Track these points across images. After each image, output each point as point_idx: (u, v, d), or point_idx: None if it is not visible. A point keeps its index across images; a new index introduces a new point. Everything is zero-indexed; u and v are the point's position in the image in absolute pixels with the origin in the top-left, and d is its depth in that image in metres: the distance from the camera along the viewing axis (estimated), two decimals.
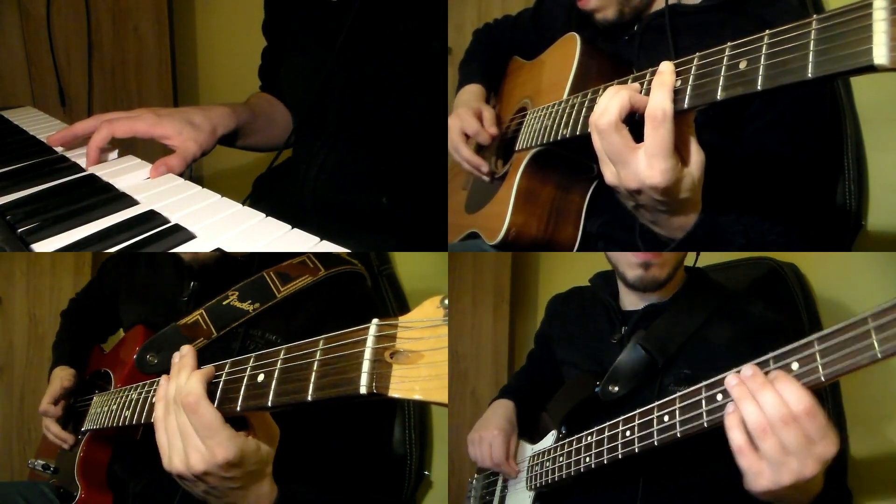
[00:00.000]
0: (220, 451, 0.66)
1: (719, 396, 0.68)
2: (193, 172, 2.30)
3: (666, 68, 0.69)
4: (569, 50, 1.07)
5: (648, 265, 0.96)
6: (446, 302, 0.53)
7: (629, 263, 0.98)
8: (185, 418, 0.68)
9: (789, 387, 0.60)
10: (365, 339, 0.55)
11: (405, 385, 0.52)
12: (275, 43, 1.36)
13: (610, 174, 0.74)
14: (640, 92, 0.73)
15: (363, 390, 0.54)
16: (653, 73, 0.72)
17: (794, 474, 0.60)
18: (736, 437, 0.63)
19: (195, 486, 0.71)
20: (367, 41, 1.08)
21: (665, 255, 0.96)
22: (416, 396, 0.52)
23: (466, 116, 1.16)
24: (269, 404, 0.62)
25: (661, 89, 0.68)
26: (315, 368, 0.58)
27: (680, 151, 0.71)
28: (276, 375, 0.62)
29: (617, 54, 1.06)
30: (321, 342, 0.59)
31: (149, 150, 1.08)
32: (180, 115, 1.07)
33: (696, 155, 0.72)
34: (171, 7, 2.15)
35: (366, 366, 0.54)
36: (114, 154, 1.06)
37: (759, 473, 0.62)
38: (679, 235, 0.78)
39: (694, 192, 0.73)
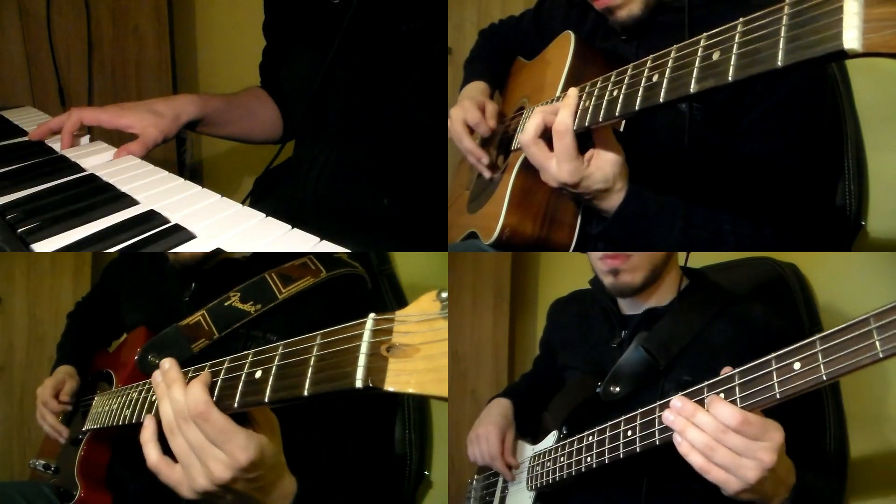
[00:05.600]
0: (241, 453, 0.64)
1: (721, 395, 0.70)
2: (193, 172, 2.30)
3: (572, 93, 0.85)
4: (563, 49, 1.07)
5: (617, 271, 0.98)
6: (443, 295, 0.53)
7: (601, 271, 1.01)
8: (193, 433, 0.65)
9: (721, 407, 0.68)
10: (361, 334, 0.55)
11: (401, 379, 0.52)
12: (275, 44, 1.37)
13: (542, 177, 0.89)
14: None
15: (359, 384, 0.54)
16: (637, 68, 0.77)
17: (756, 469, 0.66)
18: (696, 460, 0.70)
19: (222, 499, 0.68)
20: (369, 42, 1.08)
21: (633, 260, 0.97)
22: (411, 390, 0.52)
23: (470, 107, 1.18)
24: (266, 400, 0.62)
25: (565, 109, 0.84)
26: (312, 363, 0.59)
27: (599, 150, 0.86)
28: (273, 371, 0.62)
29: (613, 52, 1.06)
30: (318, 337, 0.60)
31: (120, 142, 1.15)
32: (143, 106, 1.16)
33: (607, 154, 0.86)
34: (171, 7, 2.15)
35: (362, 360, 0.54)
36: (85, 139, 1.17)
37: (727, 481, 0.68)
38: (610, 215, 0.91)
39: (608, 183, 0.87)
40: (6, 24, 2.03)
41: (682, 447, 0.71)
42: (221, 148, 2.19)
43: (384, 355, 0.54)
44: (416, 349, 0.53)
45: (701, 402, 0.71)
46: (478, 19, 1.98)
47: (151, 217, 0.84)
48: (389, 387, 0.53)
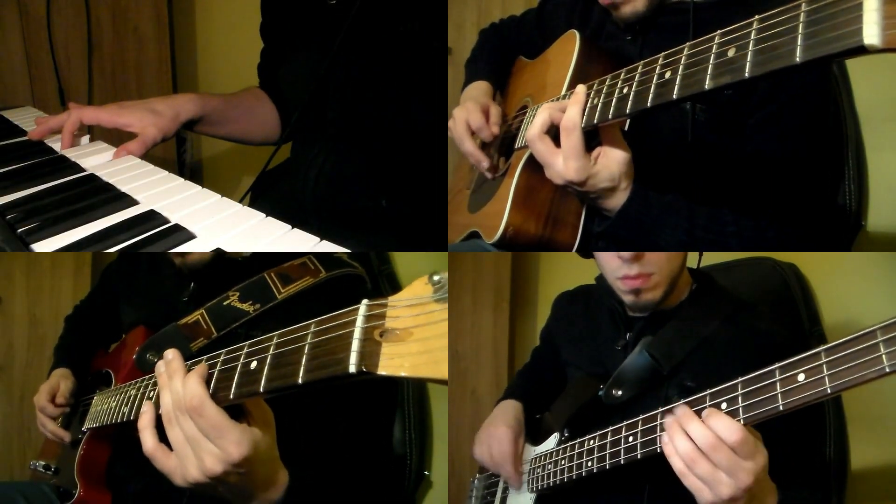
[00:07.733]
0: (234, 448, 0.65)
1: (724, 405, 0.70)
2: (193, 172, 2.30)
3: (580, 90, 0.84)
4: (568, 47, 1.06)
5: (639, 291, 0.95)
6: (436, 278, 0.54)
7: (621, 290, 0.97)
8: (189, 424, 0.67)
9: (721, 421, 0.68)
10: (354, 320, 0.56)
11: (394, 362, 0.53)
12: (272, 45, 1.37)
13: (546, 173, 0.88)
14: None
15: (352, 369, 0.54)
16: (647, 65, 0.77)
17: (730, 487, 0.67)
18: (676, 464, 0.71)
19: (214, 490, 0.69)
20: (367, 42, 1.08)
21: (654, 278, 0.94)
22: (403, 373, 0.52)
23: (474, 110, 1.16)
24: (262, 390, 0.62)
25: (574, 106, 0.83)
26: (306, 351, 0.59)
27: (606, 148, 0.86)
28: (268, 361, 0.63)
29: (618, 52, 1.05)
30: (312, 325, 0.60)
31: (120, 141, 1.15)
32: (142, 105, 1.16)
33: (614, 152, 0.85)
34: (171, 7, 2.14)
35: (355, 345, 0.55)
36: (85, 139, 1.17)
37: (700, 490, 0.69)
38: (613, 214, 0.91)
39: (614, 182, 0.87)
40: (6, 24, 2.03)
41: (667, 448, 0.72)
42: (221, 148, 2.19)
43: (377, 340, 0.54)
44: (409, 333, 0.53)
45: (702, 411, 0.71)
46: (478, 19, 1.98)
47: (151, 217, 0.84)
48: (382, 371, 0.53)
